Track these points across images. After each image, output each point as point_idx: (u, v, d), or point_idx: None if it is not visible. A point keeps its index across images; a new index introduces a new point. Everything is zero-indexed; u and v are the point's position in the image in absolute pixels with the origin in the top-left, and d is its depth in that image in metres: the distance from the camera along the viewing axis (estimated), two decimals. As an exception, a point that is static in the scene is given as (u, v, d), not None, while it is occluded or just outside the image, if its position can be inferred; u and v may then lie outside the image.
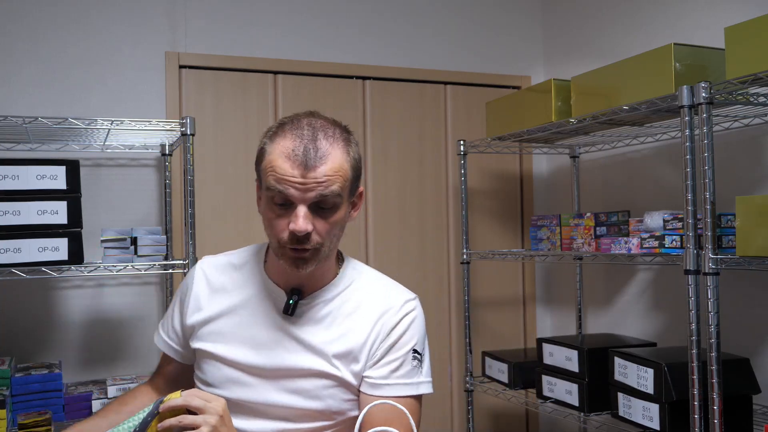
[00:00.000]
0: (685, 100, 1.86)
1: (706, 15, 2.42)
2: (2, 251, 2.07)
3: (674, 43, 1.97)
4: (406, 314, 1.43)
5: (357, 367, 1.38)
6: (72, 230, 2.17)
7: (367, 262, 3.08)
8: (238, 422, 1.37)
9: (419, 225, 3.10)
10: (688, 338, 1.85)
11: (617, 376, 2.12)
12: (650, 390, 1.97)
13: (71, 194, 2.17)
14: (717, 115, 2.13)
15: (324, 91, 2.97)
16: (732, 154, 2.28)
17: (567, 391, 2.31)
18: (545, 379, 2.42)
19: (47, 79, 2.59)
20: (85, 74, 2.64)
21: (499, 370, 2.67)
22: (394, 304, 1.43)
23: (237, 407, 1.38)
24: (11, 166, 2.12)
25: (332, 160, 1.30)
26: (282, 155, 1.29)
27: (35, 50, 2.58)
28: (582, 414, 2.26)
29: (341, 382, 1.38)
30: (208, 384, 1.43)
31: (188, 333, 1.48)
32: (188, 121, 2.28)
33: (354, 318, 1.41)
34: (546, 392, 2.42)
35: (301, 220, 1.28)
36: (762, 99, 1.96)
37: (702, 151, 1.80)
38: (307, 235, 1.29)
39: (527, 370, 2.57)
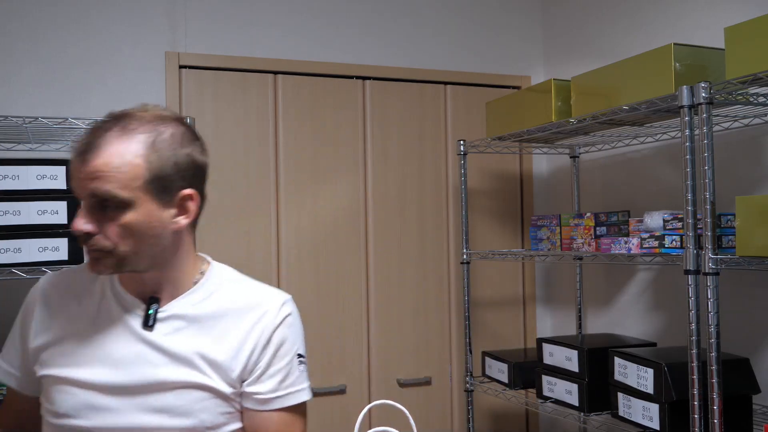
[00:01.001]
0: (685, 100, 1.86)
1: (706, 15, 2.42)
2: (2, 251, 2.07)
3: (674, 43, 1.97)
4: (285, 317, 1.31)
5: (232, 375, 1.26)
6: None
7: (366, 263, 3.12)
8: None
9: (419, 225, 3.10)
10: (688, 338, 1.85)
11: (617, 376, 2.12)
12: (650, 390, 1.97)
13: (71, 194, 2.17)
14: (717, 115, 2.13)
15: (324, 91, 2.97)
16: (732, 154, 2.28)
17: (567, 391, 2.31)
18: (545, 379, 2.42)
19: (47, 79, 2.59)
20: (85, 74, 2.64)
21: (499, 370, 2.66)
22: (271, 307, 1.30)
23: None
24: (11, 166, 2.13)
25: (109, 155, 1.15)
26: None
27: (35, 50, 2.58)
28: (582, 414, 2.26)
29: (215, 393, 1.25)
30: (60, 415, 1.24)
31: (33, 359, 1.29)
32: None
33: (226, 322, 1.28)
34: (546, 392, 2.42)
35: (78, 218, 1.17)
36: (762, 99, 1.96)
37: (702, 151, 1.80)
38: (88, 236, 1.17)
39: (527, 370, 2.56)
